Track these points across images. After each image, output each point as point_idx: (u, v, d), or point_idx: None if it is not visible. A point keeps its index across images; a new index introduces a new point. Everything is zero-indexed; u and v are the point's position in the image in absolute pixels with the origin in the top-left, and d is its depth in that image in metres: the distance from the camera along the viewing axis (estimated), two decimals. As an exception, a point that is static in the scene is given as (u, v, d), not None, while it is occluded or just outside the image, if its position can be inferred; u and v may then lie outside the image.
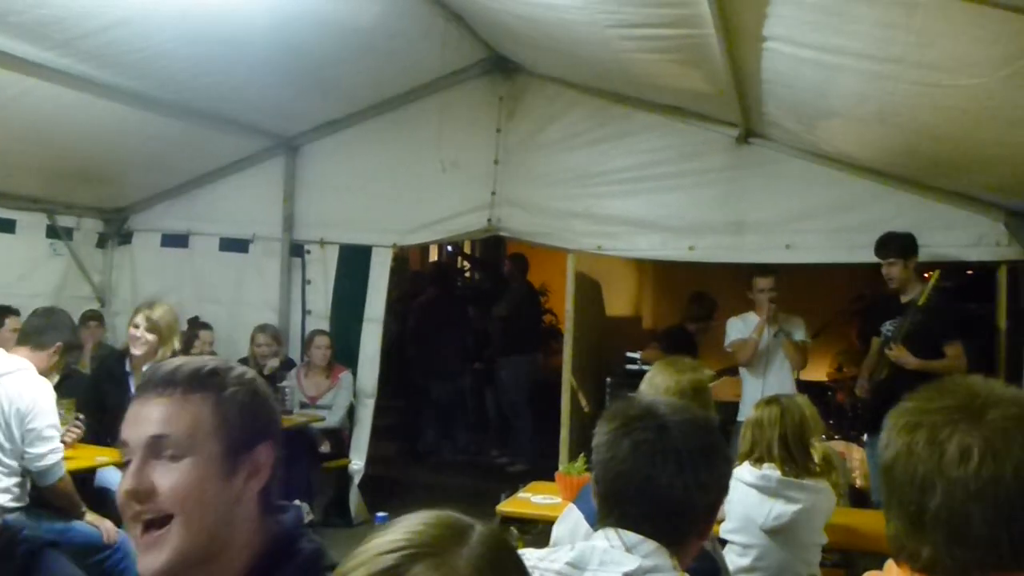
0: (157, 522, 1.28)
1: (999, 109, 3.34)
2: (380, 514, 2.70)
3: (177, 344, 4.90)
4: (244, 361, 6.39)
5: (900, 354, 4.86)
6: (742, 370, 5.71)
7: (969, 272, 6.23)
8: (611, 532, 1.49)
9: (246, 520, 1.34)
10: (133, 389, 4.75)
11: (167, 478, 1.28)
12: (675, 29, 3.89)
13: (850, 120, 4.44)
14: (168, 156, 6.22)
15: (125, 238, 7.02)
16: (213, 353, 6.16)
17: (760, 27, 3.46)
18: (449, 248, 10.20)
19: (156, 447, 1.30)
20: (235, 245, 6.79)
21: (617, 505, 1.49)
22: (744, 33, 3.65)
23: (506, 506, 3.95)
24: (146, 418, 1.32)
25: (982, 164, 4.44)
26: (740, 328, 5.65)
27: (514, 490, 4.19)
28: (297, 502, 5.70)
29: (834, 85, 3.84)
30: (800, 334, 5.55)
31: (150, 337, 4.71)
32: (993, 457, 1.09)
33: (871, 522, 3.63)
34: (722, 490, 1.56)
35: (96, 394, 4.75)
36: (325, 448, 6.12)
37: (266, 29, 4.54)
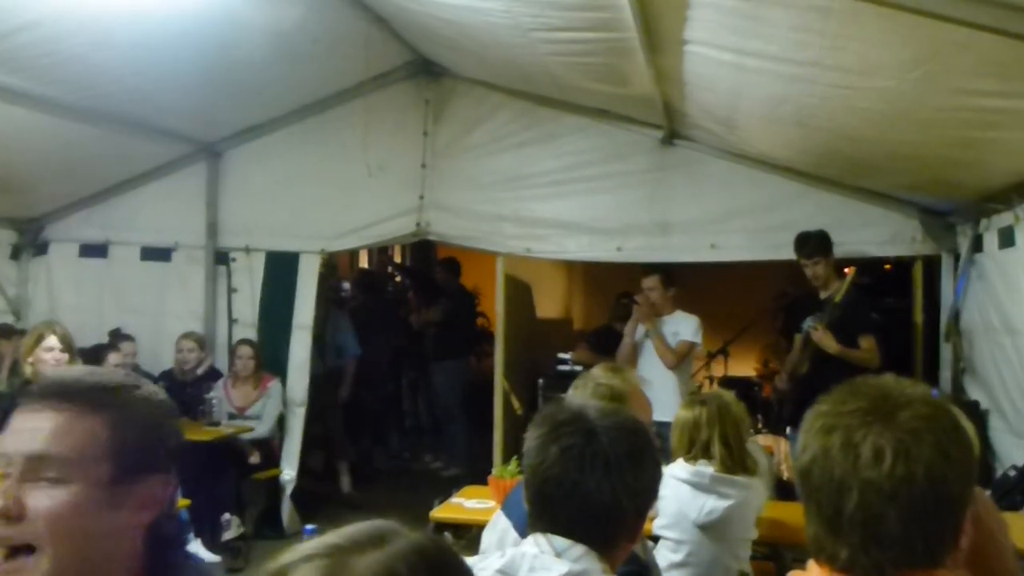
0: (24, 549, 1.13)
1: (910, 110, 3.46)
2: (308, 527, 2.64)
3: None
4: (169, 373, 6.25)
5: (824, 337, 4.96)
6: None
7: (887, 267, 6.43)
8: (540, 538, 1.49)
9: (127, 558, 1.20)
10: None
11: (43, 503, 1.13)
12: (598, 33, 3.92)
13: (769, 121, 4.53)
14: (84, 163, 6.03)
15: (40, 249, 6.77)
16: (135, 366, 6.00)
17: (680, 31, 3.52)
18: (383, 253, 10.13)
19: (36, 466, 1.15)
20: (157, 254, 6.62)
21: (546, 510, 1.49)
22: (665, 36, 3.70)
23: (439, 512, 3.93)
24: (31, 431, 1.16)
25: (896, 163, 4.59)
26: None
27: (447, 496, 4.17)
28: (227, 515, 5.60)
29: (753, 87, 3.92)
30: (688, 333, 5.47)
31: (65, 357, 4.56)
32: (905, 457, 1.11)
33: (797, 515, 3.71)
34: (652, 493, 1.57)
35: None
36: (255, 459, 6.00)
37: (184, 33, 4.44)
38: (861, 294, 5.12)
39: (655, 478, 1.57)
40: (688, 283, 6.03)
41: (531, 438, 1.54)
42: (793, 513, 3.79)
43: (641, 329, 5.54)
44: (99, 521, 1.16)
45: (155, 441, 1.24)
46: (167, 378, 6.19)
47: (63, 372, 1.28)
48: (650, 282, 5.51)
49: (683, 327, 5.50)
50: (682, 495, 3.30)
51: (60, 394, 1.20)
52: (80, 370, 1.27)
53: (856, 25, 2.81)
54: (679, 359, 5.45)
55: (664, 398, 4.85)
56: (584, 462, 1.45)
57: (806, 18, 2.91)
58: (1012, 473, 4.34)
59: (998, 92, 3.01)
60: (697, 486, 3.29)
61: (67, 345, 4.59)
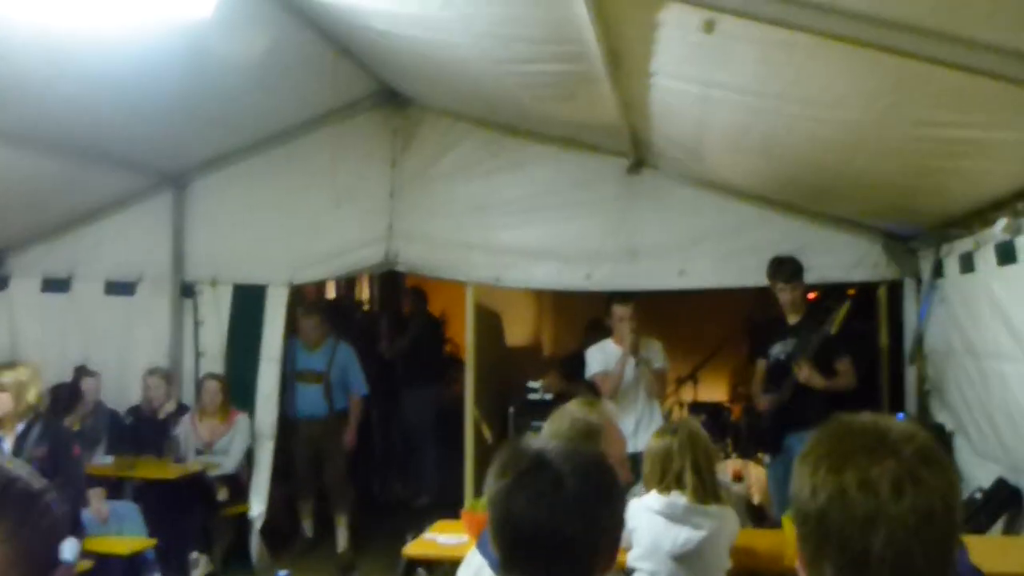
0: None
1: (874, 141, 3.53)
2: (281, 572, 2.61)
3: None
4: (137, 408, 6.15)
5: (809, 374, 5.00)
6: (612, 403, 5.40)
7: (851, 292, 6.51)
8: None
9: None
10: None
11: None
12: (565, 65, 3.96)
13: (735, 151, 4.59)
14: (46, 196, 5.93)
15: (1, 284, 6.65)
16: (99, 402, 5.91)
17: (647, 63, 3.56)
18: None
19: None
20: (121, 288, 6.52)
21: (519, 557, 1.47)
22: (631, 69, 3.74)
23: (412, 549, 3.88)
24: None
25: (860, 191, 4.66)
26: (599, 359, 5.56)
27: (420, 530, 4.13)
28: (194, 554, 5.50)
29: (718, 118, 3.97)
30: (659, 361, 5.51)
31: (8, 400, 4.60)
32: (925, 490, 1.11)
33: (769, 541, 3.72)
34: (621, 524, 1.56)
35: None
36: (223, 495, 5.90)
37: (147, 65, 4.40)
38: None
39: (622, 510, 1.57)
40: (656, 308, 6.07)
41: (494, 486, 1.50)
42: (764, 539, 3.81)
43: (631, 361, 5.41)
44: None
45: (52, 537, 1.16)
46: (135, 414, 6.10)
47: None
48: (627, 311, 5.43)
49: (654, 353, 5.51)
50: (656, 526, 3.30)
51: None
52: None
53: (820, 59, 2.86)
54: (665, 387, 5.57)
55: (653, 426, 4.93)
56: (555, 510, 1.42)
57: (771, 52, 2.96)
58: (978, 495, 4.38)
59: (957, 123, 3.08)
60: (671, 517, 3.29)
61: (17, 390, 4.58)
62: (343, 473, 6.65)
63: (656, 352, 5.53)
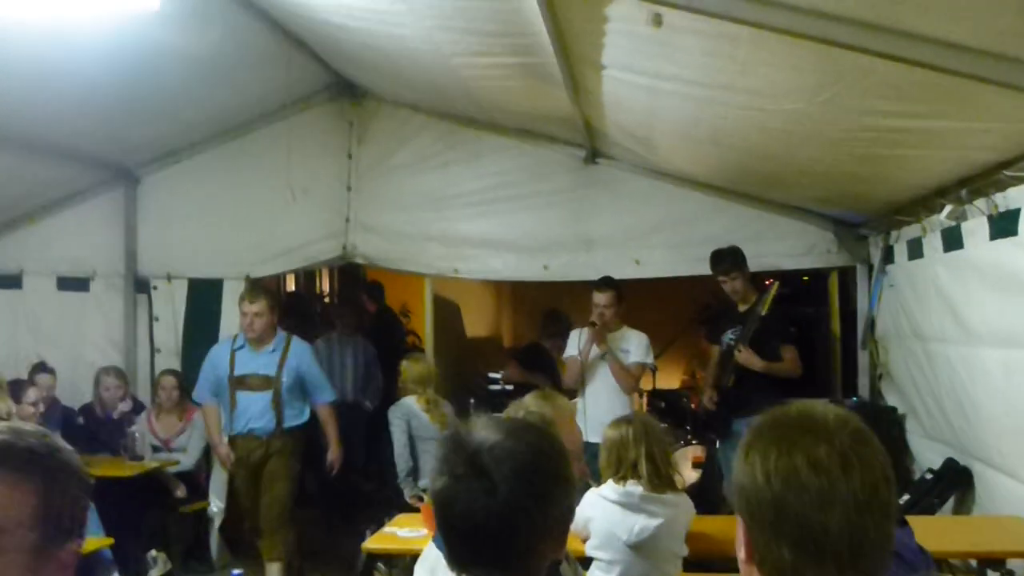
0: None
1: (819, 130, 3.59)
2: (236, 572, 2.60)
3: None
4: (89, 407, 6.06)
5: (748, 356, 5.06)
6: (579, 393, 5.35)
7: (804, 279, 6.62)
8: None
9: None
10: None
11: None
12: (518, 57, 3.98)
13: (685, 141, 4.64)
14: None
15: (-51, 281, 6.52)
16: (54, 400, 5.81)
17: (598, 56, 3.58)
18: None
19: None
20: (74, 284, 6.41)
21: (463, 554, 1.48)
22: (584, 61, 3.76)
23: (372, 543, 3.88)
24: None
25: (808, 179, 4.73)
26: (574, 343, 5.40)
27: (380, 525, 4.13)
28: (153, 552, 5.45)
29: (668, 109, 4.02)
30: (639, 355, 5.29)
31: None
32: (869, 467, 1.16)
33: (721, 526, 3.77)
34: (568, 517, 1.54)
35: None
36: (181, 493, 5.84)
37: (98, 57, 4.32)
38: (782, 306, 5.26)
39: (569, 505, 1.55)
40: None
41: (435, 484, 1.48)
42: (717, 525, 3.86)
43: (595, 350, 5.27)
44: None
45: (77, 509, 1.25)
46: (87, 413, 6.01)
47: None
48: (605, 298, 5.23)
49: (633, 346, 5.30)
50: (612, 516, 3.34)
51: None
52: (13, 431, 1.25)
53: (765, 51, 2.90)
54: (636, 382, 5.34)
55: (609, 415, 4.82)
56: (491, 513, 1.40)
57: (717, 45, 3.00)
58: (928, 476, 4.49)
59: (897, 112, 3.14)
60: (627, 506, 3.33)
61: None
62: (283, 510, 5.37)
63: (637, 345, 5.31)
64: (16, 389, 5.62)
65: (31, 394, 5.31)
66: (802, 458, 1.15)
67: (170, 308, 6.36)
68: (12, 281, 6.41)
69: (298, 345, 5.48)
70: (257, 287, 5.50)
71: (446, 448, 1.50)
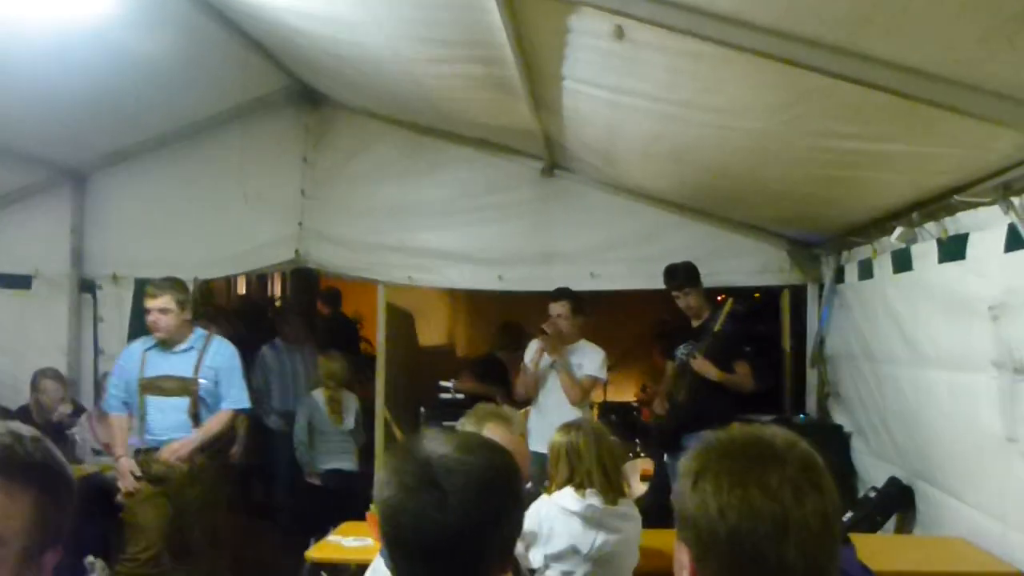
0: None
1: (779, 150, 3.62)
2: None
3: None
4: (26, 409, 5.87)
5: (703, 365, 5.05)
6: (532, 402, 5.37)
7: (756, 296, 6.68)
8: None
9: None
10: None
11: None
12: (478, 66, 3.95)
13: (645, 156, 4.65)
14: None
15: None
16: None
17: (559, 67, 3.57)
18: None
19: None
20: (15, 282, 6.23)
21: (408, 570, 1.44)
22: (543, 73, 3.76)
23: (316, 551, 3.81)
24: None
25: (766, 199, 4.78)
26: (530, 353, 5.35)
27: (324, 533, 4.06)
28: (90, 558, 5.28)
29: (629, 124, 4.02)
30: (593, 368, 5.21)
31: None
32: (818, 493, 1.14)
33: (668, 540, 3.76)
34: (513, 533, 1.51)
35: None
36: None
37: (46, 55, 4.22)
38: (736, 323, 5.30)
39: (518, 520, 1.51)
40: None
41: (382, 495, 1.42)
42: (664, 539, 3.84)
43: (547, 359, 5.23)
44: None
45: (65, 517, 1.26)
46: (23, 416, 5.81)
47: None
48: (559, 308, 5.20)
49: (588, 360, 5.23)
50: (573, 529, 3.29)
51: None
52: (6, 436, 1.23)
53: (727, 69, 2.92)
54: (584, 395, 5.25)
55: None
56: (440, 527, 1.36)
57: (679, 61, 3.00)
58: (872, 494, 4.54)
59: (856, 135, 3.18)
60: (589, 520, 3.29)
61: None
62: (209, 537, 4.76)
63: (591, 359, 5.23)
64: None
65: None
66: (755, 489, 1.13)
67: (116, 309, 6.22)
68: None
69: (219, 344, 4.85)
70: (164, 281, 4.73)
71: (396, 457, 1.46)
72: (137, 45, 4.41)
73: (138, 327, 6.15)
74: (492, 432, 2.39)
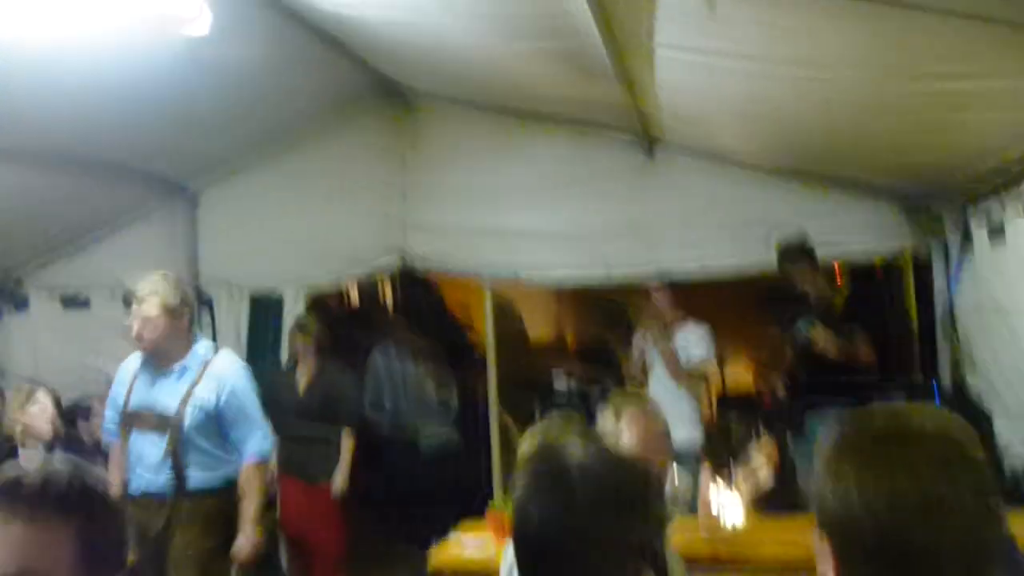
0: None
1: (884, 99, 3.41)
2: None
3: None
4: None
5: (826, 340, 4.86)
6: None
7: (877, 262, 6.34)
8: None
9: None
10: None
11: None
12: (563, 41, 3.83)
13: (745, 120, 4.48)
14: (49, 212, 5.84)
15: (21, 304, 6.61)
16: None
17: (648, 35, 3.45)
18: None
19: None
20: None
21: (530, 568, 1.45)
22: (632, 42, 3.64)
23: (438, 557, 3.67)
24: (2, 547, 1.16)
25: (876, 151, 4.51)
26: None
27: (444, 531, 3.94)
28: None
29: (725, 88, 3.86)
30: (700, 350, 5.31)
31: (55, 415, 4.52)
32: (974, 477, 1.07)
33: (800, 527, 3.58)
34: (647, 542, 1.49)
35: None
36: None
37: (150, 74, 4.33)
38: (858, 294, 5.05)
39: (651, 532, 1.55)
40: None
41: (516, 493, 1.48)
42: (797, 527, 3.66)
43: (649, 341, 5.36)
44: None
45: (115, 543, 1.27)
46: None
47: (29, 474, 1.22)
48: (663, 296, 5.36)
49: (692, 341, 5.31)
50: None
51: (31, 502, 1.18)
52: (46, 471, 1.24)
53: (824, 19, 2.78)
54: (691, 379, 5.28)
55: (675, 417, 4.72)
56: (566, 535, 1.39)
57: (775, 14, 2.86)
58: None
59: (966, 74, 2.95)
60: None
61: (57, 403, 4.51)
62: None
63: (696, 338, 5.31)
64: (86, 413, 5.68)
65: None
66: (905, 477, 1.04)
67: (232, 325, 6.35)
68: (80, 302, 6.48)
69: (225, 363, 3.88)
70: (151, 280, 3.82)
71: (538, 458, 1.56)
72: (229, 60, 4.48)
73: (257, 342, 6.31)
74: (631, 417, 2.47)
